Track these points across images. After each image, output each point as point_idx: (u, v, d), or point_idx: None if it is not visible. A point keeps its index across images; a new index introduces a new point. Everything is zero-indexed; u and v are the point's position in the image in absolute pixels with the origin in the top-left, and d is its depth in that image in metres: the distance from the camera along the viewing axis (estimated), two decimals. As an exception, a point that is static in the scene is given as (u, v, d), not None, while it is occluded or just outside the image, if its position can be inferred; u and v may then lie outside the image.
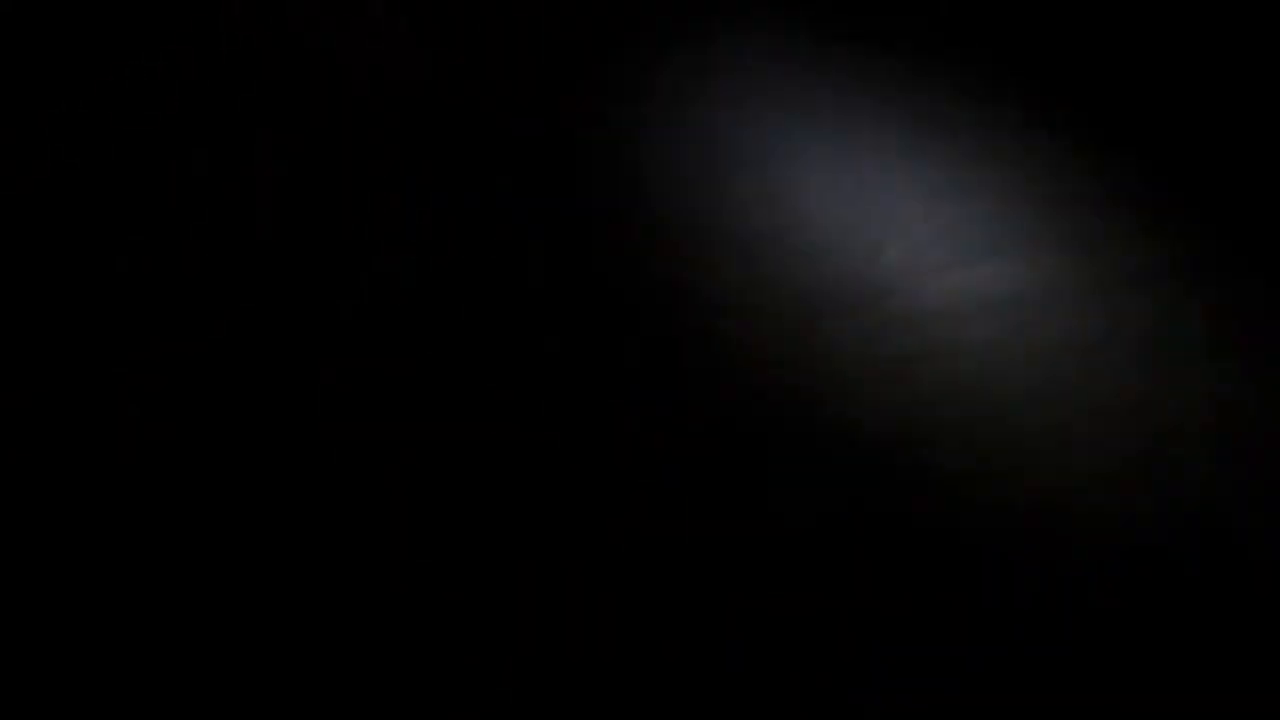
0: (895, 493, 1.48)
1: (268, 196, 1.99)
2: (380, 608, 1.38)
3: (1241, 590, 1.36)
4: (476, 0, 1.74)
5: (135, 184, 2.02)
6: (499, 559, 1.43)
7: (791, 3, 1.83)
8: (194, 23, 2.34)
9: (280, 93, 2.21)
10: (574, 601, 1.38)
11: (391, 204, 1.98)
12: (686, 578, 1.40)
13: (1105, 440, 1.60)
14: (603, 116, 2.03)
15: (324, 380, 1.66)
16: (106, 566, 1.43)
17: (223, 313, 1.77)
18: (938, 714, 1.26)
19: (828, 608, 1.36)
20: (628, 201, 1.96)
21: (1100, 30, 2.27)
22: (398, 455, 1.54)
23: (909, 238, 1.97)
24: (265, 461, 1.54)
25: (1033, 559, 1.40)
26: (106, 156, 2.08)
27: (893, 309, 1.83)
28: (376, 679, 1.31)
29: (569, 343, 1.72)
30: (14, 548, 1.45)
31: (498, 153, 2.02)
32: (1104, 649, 1.31)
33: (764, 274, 1.86)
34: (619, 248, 1.88)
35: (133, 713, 1.30)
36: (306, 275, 1.84)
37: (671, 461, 1.53)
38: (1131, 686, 1.28)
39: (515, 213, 1.95)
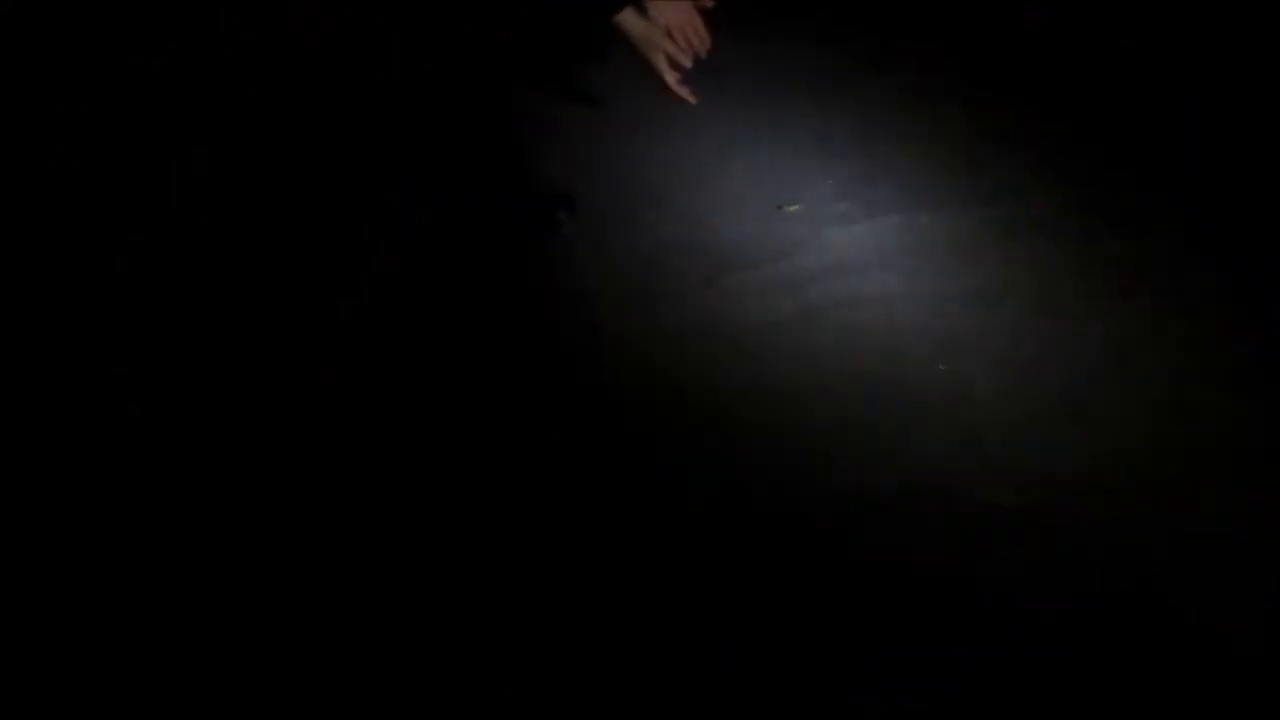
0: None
1: (268, 196, 1.99)
2: (380, 608, 1.38)
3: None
4: (477, 3, 1.74)
5: (135, 184, 2.02)
6: (499, 559, 1.43)
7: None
8: (194, 23, 2.34)
9: (280, 93, 2.21)
10: (574, 601, 1.38)
11: (391, 204, 1.98)
12: (686, 578, 1.40)
13: (1008, 390, 1.62)
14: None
15: (324, 380, 1.66)
16: (107, 565, 1.43)
17: (223, 313, 1.77)
18: (938, 714, 1.26)
19: (828, 608, 1.36)
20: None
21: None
22: (398, 455, 1.54)
23: (812, 192, 1.99)
24: (265, 461, 1.54)
25: (1032, 559, 1.40)
26: (106, 156, 2.08)
27: (797, 262, 1.86)
28: (377, 679, 1.31)
29: (568, 343, 1.72)
30: (14, 547, 1.45)
31: (497, 153, 2.03)
32: (1104, 649, 1.31)
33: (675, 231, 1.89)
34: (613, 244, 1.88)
35: (133, 712, 1.30)
36: (306, 275, 1.84)
37: (672, 461, 1.54)
38: (1131, 686, 1.28)
39: (515, 213, 1.96)
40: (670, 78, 1.72)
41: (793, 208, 1.95)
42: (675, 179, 1.99)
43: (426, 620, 1.36)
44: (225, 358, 1.69)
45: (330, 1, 2.30)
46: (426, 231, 1.92)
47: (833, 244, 1.89)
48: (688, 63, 1.74)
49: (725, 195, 1.93)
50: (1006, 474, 1.51)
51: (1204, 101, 2.11)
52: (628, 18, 1.71)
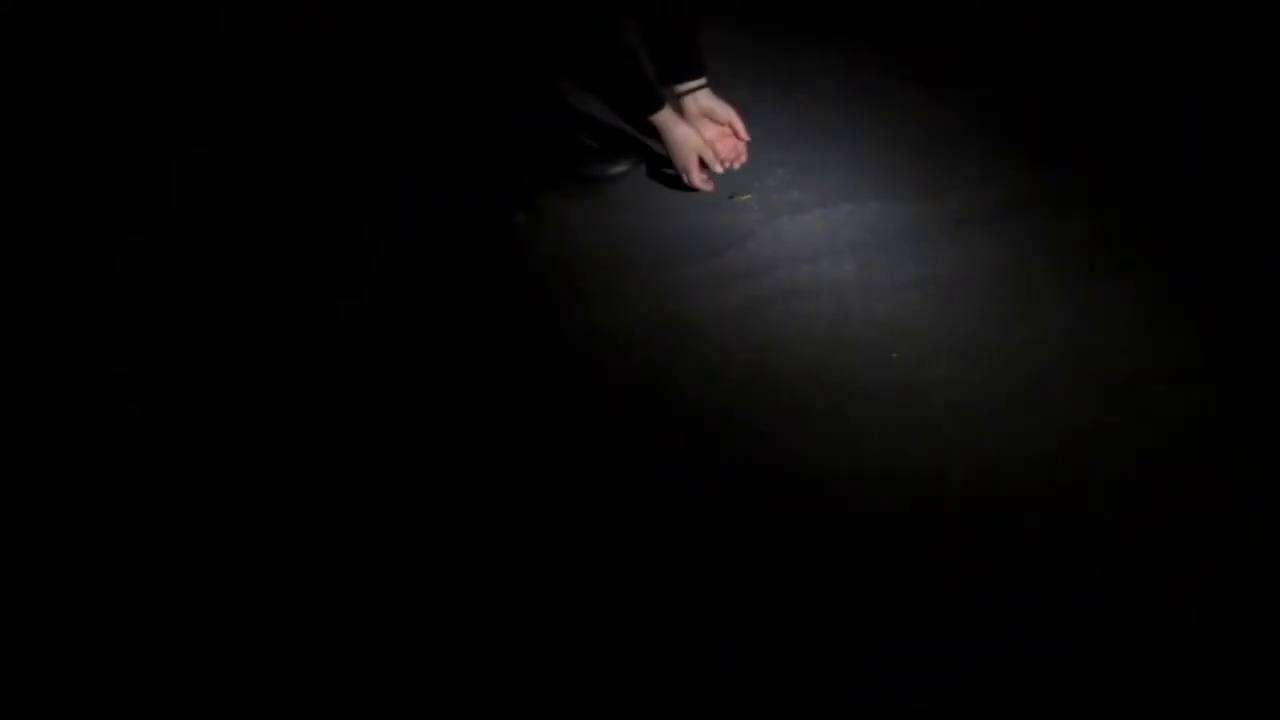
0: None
1: (268, 196, 2.00)
2: (380, 608, 1.38)
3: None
4: (476, 3, 1.75)
5: (135, 184, 2.02)
6: (499, 559, 1.43)
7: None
8: (194, 23, 2.34)
9: (280, 93, 2.21)
10: (574, 601, 1.38)
11: (391, 204, 1.98)
12: (686, 578, 1.40)
13: (962, 378, 1.62)
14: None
15: (324, 380, 1.66)
16: (107, 565, 1.43)
17: (223, 313, 1.77)
18: (938, 714, 1.27)
19: (828, 608, 1.36)
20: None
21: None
22: (398, 455, 1.54)
23: (763, 181, 1.99)
24: (265, 461, 1.55)
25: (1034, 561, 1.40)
26: (106, 156, 2.08)
27: (749, 251, 1.85)
28: (377, 679, 1.31)
29: (568, 343, 1.72)
30: (15, 547, 1.45)
31: (498, 153, 2.03)
32: (1104, 649, 1.31)
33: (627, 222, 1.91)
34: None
35: (133, 712, 1.30)
36: (306, 275, 1.84)
37: (671, 462, 1.54)
38: (1131, 686, 1.28)
39: (514, 212, 1.96)
40: (697, 177, 1.85)
41: (744, 196, 1.95)
42: (628, 170, 2.00)
43: (426, 620, 1.36)
44: (225, 358, 1.69)
45: (330, 1, 2.30)
46: (426, 231, 1.92)
47: (784, 233, 1.89)
48: (719, 170, 1.87)
49: (677, 184, 1.93)
50: (962, 463, 1.50)
51: (1203, 104, 2.11)
52: (667, 120, 1.81)
